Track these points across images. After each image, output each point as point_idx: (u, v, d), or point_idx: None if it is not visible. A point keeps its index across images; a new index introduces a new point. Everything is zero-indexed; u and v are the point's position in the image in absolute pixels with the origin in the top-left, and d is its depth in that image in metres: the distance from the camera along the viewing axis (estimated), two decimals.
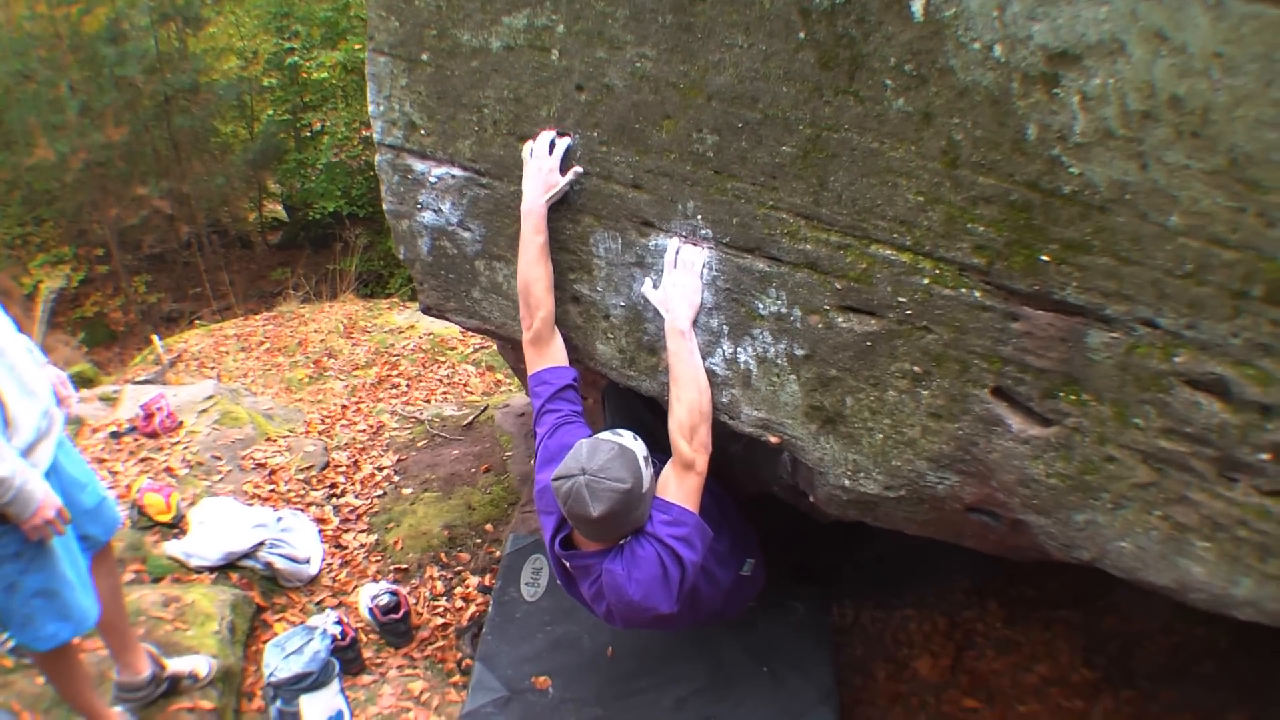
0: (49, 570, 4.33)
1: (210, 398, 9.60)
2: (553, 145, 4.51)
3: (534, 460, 4.74)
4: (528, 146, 4.59)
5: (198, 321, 20.26)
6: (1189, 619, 5.73)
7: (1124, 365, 3.29)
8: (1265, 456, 3.10)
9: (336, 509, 8.19)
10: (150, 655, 5.43)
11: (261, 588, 6.91)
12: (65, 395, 4.66)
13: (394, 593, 6.80)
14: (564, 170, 4.52)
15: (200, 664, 5.69)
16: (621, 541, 4.26)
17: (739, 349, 4.29)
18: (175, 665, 5.57)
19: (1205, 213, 2.99)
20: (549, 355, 4.75)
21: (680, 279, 4.29)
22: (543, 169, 4.50)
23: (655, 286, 4.42)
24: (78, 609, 4.47)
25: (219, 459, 8.40)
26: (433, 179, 5.01)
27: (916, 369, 3.78)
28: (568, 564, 4.47)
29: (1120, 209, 3.13)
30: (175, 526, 7.14)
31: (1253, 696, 5.27)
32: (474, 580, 7.28)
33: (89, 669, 5.15)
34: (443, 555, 7.52)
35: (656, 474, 4.39)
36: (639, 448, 4.24)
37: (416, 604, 7.05)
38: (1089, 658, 5.90)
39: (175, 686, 5.54)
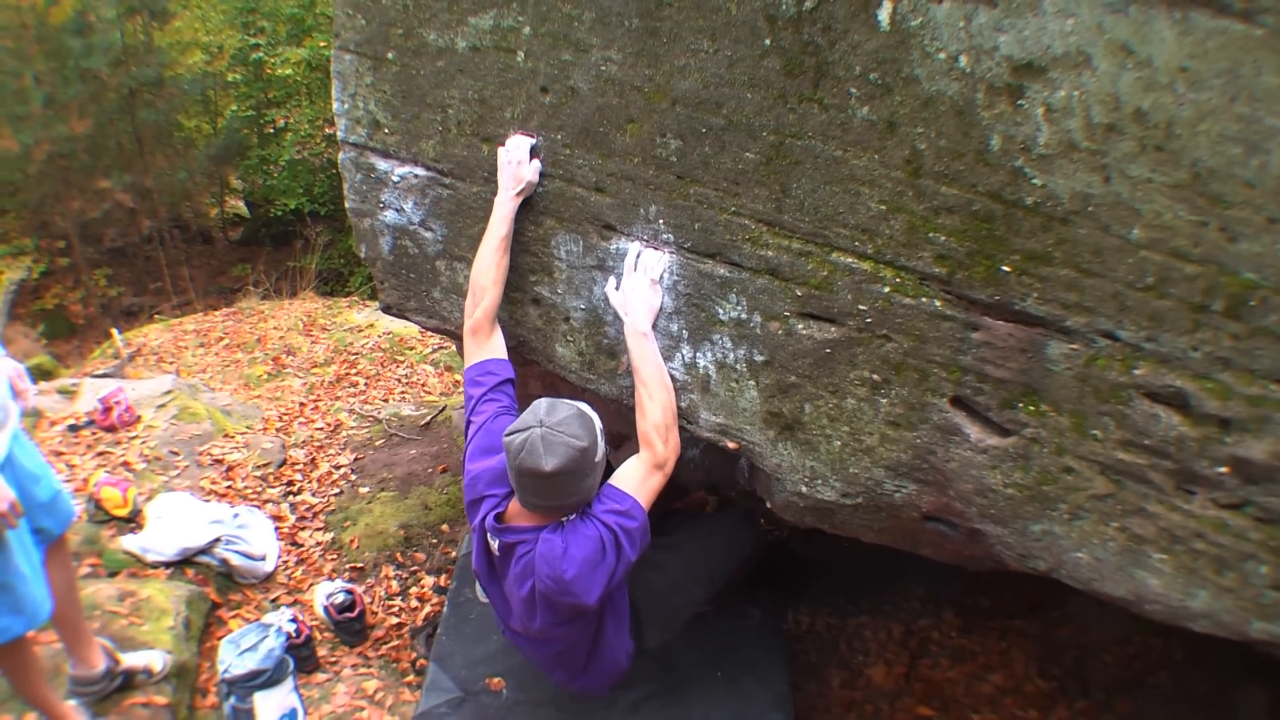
0: (2, 563, 4.29)
1: (169, 393, 9.54)
2: (532, 152, 4.51)
3: (465, 450, 4.68)
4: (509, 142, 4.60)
5: (157, 316, 20.20)
6: (1144, 630, 5.75)
7: (1083, 377, 3.30)
8: (1223, 470, 3.12)
9: (293, 506, 8.15)
10: (105, 649, 5.39)
11: (217, 584, 6.87)
12: (22, 389, 4.60)
13: (349, 591, 6.78)
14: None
15: (155, 659, 5.65)
16: (563, 519, 4.19)
17: (698, 354, 4.29)
18: (130, 660, 5.52)
19: (1167, 226, 3.00)
20: (489, 348, 4.72)
21: (640, 283, 4.29)
22: (512, 162, 4.50)
23: (617, 288, 4.42)
24: (30, 602, 4.42)
25: (176, 454, 8.35)
26: (396, 178, 4.99)
27: (876, 377, 3.78)
28: (496, 543, 4.39)
29: (1082, 221, 3.14)
30: (132, 521, 7.09)
31: (1207, 709, 5.28)
32: (429, 580, 7.26)
33: (43, 662, 5.11)
34: (399, 555, 7.50)
35: (608, 458, 4.34)
36: (596, 419, 4.20)
37: (372, 603, 7.03)
38: (1044, 668, 5.91)
39: (129, 681, 5.50)
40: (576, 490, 4.11)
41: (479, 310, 4.66)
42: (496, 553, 4.42)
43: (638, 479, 4.31)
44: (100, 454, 8.10)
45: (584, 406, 4.19)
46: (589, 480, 4.13)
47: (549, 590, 4.15)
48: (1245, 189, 2.87)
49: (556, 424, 3.98)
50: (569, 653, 4.61)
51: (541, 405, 4.10)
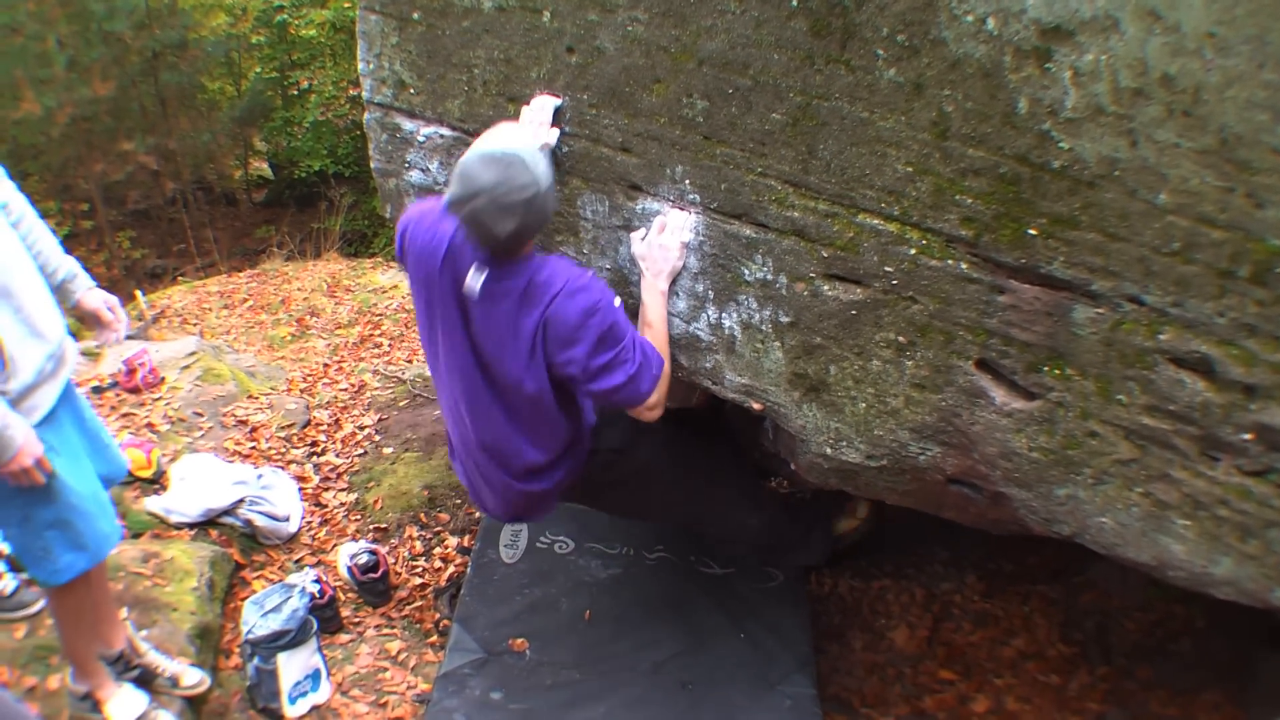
0: (57, 501, 4.27)
1: (193, 354, 9.55)
2: (557, 112, 4.48)
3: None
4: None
5: (181, 278, 20.16)
6: (1167, 597, 5.74)
7: (1109, 341, 3.30)
8: (1248, 436, 3.12)
9: (317, 467, 8.17)
10: (127, 637, 5.30)
11: (241, 545, 6.89)
12: (109, 320, 4.60)
13: (373, 552, 6.79)
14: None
15: (190, 674, 5.42)
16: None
17: (724, 314, 4.29)
18: (156, 658, 5.38)
19: (1194, 191, 3.00)
20: None
21: (668, 241, 4.29)
22: (533, 122, 4.47)
23: (642, 240, 4.42)
24: (94, 536, 4.37)
25: (200, 415, 8.38)
26: (421, 138, 4.99)
27: (901, 339, 3.78)
28: (479, 281, 4.07)
29: (1109, 185, 3.14)
30: (156, 482, 7.11)
31: (1228, 676, 5.28)
32: (453, 541, 7.28)
33: (107, 609, 5.03)
34: (422, 515, 7.52)
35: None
36: (526, 144, 3.87)
37: (395, 564, 7.04)
38: (1066, 633, 5.91)
39: (147, 678, 5.37)
40: (543, 220, 3.94)
41: None
42: (476, 293, 4.10)
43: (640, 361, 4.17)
44: (124, 415, 8.11)
45: (518, 146, 3.82)
46: (550, 204, 3.95)
47: (558, 326, 3.99)
48: (1272, 155, 2.86)
49: (495, 184, 3.70)
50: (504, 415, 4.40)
51: (475, 165, 3.76)
